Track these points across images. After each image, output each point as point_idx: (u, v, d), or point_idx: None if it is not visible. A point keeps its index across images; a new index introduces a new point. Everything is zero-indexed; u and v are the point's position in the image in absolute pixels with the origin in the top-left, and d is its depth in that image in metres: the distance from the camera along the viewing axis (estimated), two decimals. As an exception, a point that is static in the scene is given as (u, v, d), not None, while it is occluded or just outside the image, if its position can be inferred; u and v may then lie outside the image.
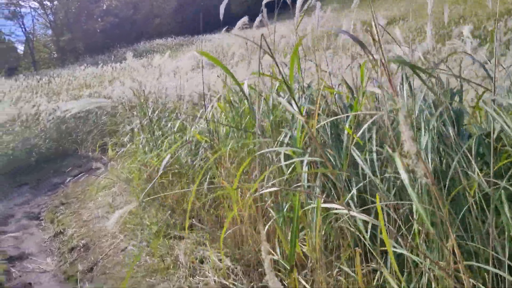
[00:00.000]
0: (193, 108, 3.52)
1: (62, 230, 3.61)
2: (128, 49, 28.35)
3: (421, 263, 1.10)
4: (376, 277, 1.21)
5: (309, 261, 1.31)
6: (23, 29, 36.54)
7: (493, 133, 1.15)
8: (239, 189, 2.27)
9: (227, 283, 2.01)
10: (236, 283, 1.97)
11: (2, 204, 4.93)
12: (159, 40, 30.64)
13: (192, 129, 2.55)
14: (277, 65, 1.22)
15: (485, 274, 1.09)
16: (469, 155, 1.16)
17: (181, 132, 2.93)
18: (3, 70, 30.10)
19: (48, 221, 4.09)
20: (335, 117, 1.26)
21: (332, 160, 1.30)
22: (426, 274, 1.11)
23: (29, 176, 6.36)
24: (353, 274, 1.32)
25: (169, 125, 3.45)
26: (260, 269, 1.95)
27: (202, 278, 2.13)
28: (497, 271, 0.98)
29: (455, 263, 0.94)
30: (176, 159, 2.75)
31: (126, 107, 5.22)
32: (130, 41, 31.35)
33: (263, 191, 1.25)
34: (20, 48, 39.97)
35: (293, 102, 1.17)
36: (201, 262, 2.33)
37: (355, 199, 1.28)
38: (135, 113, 4.91)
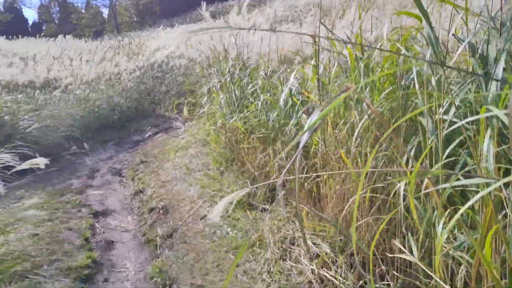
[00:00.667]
0: (280, 65, 3.09)
1: (141, 189, 3.59)
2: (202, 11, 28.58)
3: None
4: None
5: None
6: (107, -6, 38.70)
7: None
8: (338, 160, 1.86)
9: (327, 276, 1.65)
10: (339, 277, 1.61)
11: (90, 158, 5.16)
12: (232, 1, 30.28)
13: (286, 88, 2.15)
14: None
15: None
16: None
17: (270, 92, 2.55)
18: (91, 33, 32.58)
19: (129, 179, 4.13)
20: None
21: None
22: None
23: (113, 133, 6.65)
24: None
25: (250, 86, 3.09)
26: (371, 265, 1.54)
27: (295, 264, 1.81)
28: None
29: None
30: (263, 122, 2.40)
31: (203, 66, 4.98)
32: (206, 2, 31.45)
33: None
34: (105, 12, 42.67)
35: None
36: (292, 243, 2.01)
37: None
38: (213, 71, 4.66)
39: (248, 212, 2.51)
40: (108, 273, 2.25)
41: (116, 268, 2.32)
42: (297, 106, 2.13)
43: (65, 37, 12.13)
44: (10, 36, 16.29)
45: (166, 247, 2.37)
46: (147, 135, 6.73)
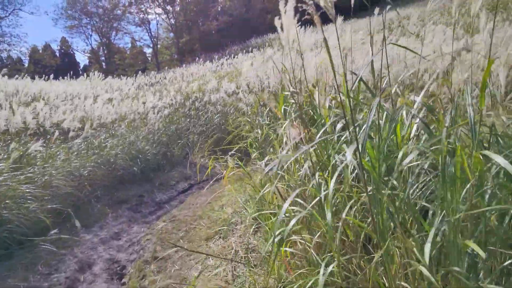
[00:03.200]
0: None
1: None
2: (240, 47, 28.54)
3: None
4: None
5: None
6: (149, 34, 39.79)
7: None
8: None
9: None
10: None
11: (89, 235, 3.51)
12: (271, 35, 29.72)
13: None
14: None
15: None
16: None
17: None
18: (133, 72, 33.16)
19: (130, 296, 2.38)
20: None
21: None
22: None
23: (130, 191, 5.03)
24: None
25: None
26: None
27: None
28: None
29: None
30: None
31: (258, 100, 3.27)
32: (243, 38, 31.30)
33: None
34: (148, 52, 43.86)
35: None
36: None
37: None
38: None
39: None
40: None
41: None
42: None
43: (94, 74, 11.11)
44: (57, 78, 15.99)
45: None
46: (175, 193, 5.08)
